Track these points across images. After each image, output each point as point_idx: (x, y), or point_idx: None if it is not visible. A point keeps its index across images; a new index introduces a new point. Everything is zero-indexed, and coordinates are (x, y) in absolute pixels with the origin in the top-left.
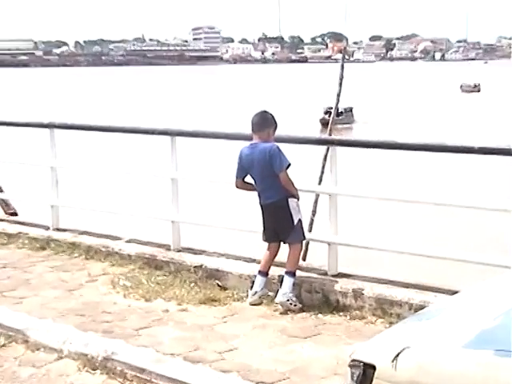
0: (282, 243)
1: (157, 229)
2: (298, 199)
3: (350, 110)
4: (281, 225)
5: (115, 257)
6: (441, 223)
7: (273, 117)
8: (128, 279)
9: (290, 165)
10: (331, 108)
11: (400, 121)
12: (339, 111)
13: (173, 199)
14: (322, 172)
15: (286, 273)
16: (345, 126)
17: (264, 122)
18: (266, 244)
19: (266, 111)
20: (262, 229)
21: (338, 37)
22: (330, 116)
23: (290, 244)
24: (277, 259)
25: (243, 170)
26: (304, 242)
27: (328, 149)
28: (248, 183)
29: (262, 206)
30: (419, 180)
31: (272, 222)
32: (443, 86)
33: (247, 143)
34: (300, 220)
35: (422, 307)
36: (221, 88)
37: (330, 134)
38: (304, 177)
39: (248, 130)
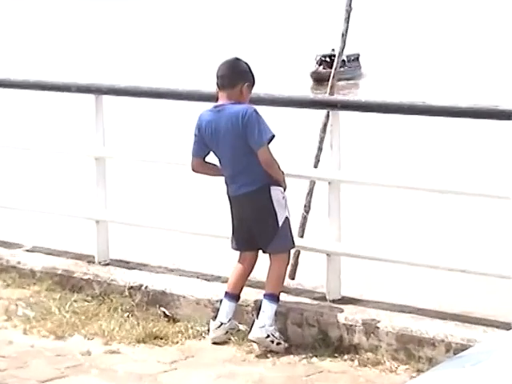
0: (260, 253)
1: (74, 232)
2: (285, 189)
3: (357, 58)
4: (259, 226)
5: (11, 273)
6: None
7: (248, 67)
8: (30, 306)
9: (273, 137)
10: (327, 56)
11: (426, 72)
12: (341, 60)
13: (98, 188)
14: (320, 149)
15: (266, 297)
16: (349, 82)
17: (235, 74)
18: (237, 254)
19: (238, 58)
20: (231, 232)
21: None
22: (325, 67)
23: (273, 254)
24: (252, 276)
25: (203, 144)
26: (292, 251)
27: (328, 115)
28: (211, 164)
29: (231, 198)
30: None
31: (246, 222)
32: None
33: (210, 105)
34: (287, 219)
35: (464, 348)
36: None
37: (332, 94)
38: (294, 156)
39: (211, 87)
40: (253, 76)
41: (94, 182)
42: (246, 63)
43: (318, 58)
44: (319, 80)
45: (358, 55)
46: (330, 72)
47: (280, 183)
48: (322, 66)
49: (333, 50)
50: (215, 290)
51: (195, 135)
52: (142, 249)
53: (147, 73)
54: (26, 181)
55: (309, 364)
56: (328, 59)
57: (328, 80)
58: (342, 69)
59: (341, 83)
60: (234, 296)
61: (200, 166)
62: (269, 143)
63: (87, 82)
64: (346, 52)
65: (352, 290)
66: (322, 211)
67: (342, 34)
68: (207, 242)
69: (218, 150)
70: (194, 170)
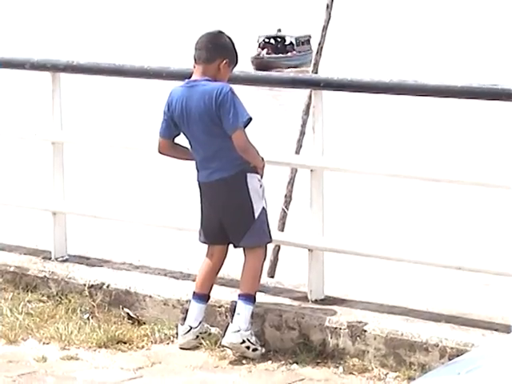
0: (231, 247)
1: (28, 225)
2: (262, 176)
3: (307, 41)
4: (232, 217)
5: None
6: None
7: (231, 42)
8: None
9: (250, 120)
10: (271, 38)
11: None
12: (287, 42)
13: (55, 176)
14: (302, 133)
15: (241, 297)
16: (297, 69)
17: (213, 48)
18: (205, 248)
19: (221, 32)
20: (200, 223)
21: None
22: (269, 51)
23: (247, 250)
24: (226, 274)
25: (173, 124)
26: (271, 246)
27: (310, 95)
28: (180, 146)
29: (201, 184)
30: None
31: (217, 212)
32: None
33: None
34: (264, 210)
35: (460, 353)
36: None
37: (316, 71)
38: (273, 141)
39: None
40: (235, 54)
41: (51, 170)
42: (229, 38)
43: (261, 40)
44: (262, 67)
45: (310, 37)
46: (275, 58)
47: (257, 170)
48: (265, 50)
49: (279, 30)
50: (185, 289)
51: (164, 113)
52: (104, 243)
53: (123, 52)
54: None
55: (288, 371)
56: (273, 41)
57: (274, 67)
58: (288, 54)
59: (288, 71)
60: (203, 296)
61: (168, 147)
62: (245, 127)
63: (42, 58)
64: (295, 33)
65: (336, 290)
66: (303, 202)
67: (327, 6)
68: (176, 235)
69: (189, 131)
70: (160, 151)
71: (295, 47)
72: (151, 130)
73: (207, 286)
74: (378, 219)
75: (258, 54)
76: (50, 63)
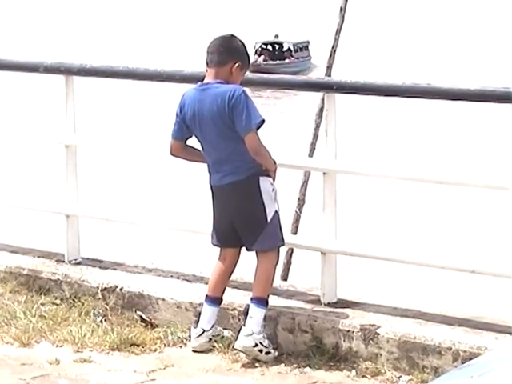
0: (244, 250)
1: (42, 228)
2: (274, 179)
3: (306, 47)
4: (245, 220)
5: None
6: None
7: (243, 46)
8: None
9: (263, 122)
10: (268, 44)
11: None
12: (285, 48)
13: (68, 179)
14: (316, 136)
15: (254, 301)
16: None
17: (226, 51)
18: (218, 251)
19: (233, 35)
20: (212, 226)
21: None
22: (266, 58)
23: (260, 253)
24: (239, 277)
25: (185, 126)
26: (285, 249)
27: (324, 99)
28: (192, 149)
29: (213, 188)
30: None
31: (229, 216)
32: None
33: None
34: (277, 213)
35: (473, 356)
36: None
37: (329, 74)
38: (286, 144)
39: (195, 68)
40: (247, 57)
41: (64, 173)
42: (241, 42)
43: (258, 46)
44: (258, 73)
45: (308, 43)
46: (272, 65)
47: (269, 173)
48: (262, 57)
49: (276, 36)
50: (197, 291)
51: (176, 115)
52: (117, 246)
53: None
54: None
55: (301, 374)
56: (270, 47)
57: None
58: (286, 60)
59: None
60: (216, 299)
61: (180, 149)
62: (258, 129)
63: (56, 61)
64: (294, 39)
65: (349, 293)
66: (316, 205)
67: (341, 9)
68: (189, 238)
69: (201, 134)
70: (172, 153)
71: (293, 53)
72: (164, 133)
73: (220, 289)
74: (391, 222)
75: (255, 61)
76: (64, 66)
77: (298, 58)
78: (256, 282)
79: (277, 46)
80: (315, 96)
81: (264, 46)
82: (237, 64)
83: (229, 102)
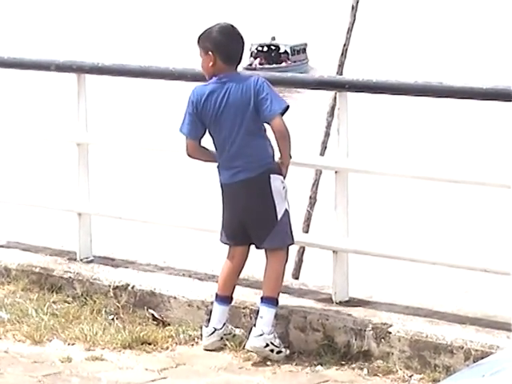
0: (253, 248)
1: (54, 226)
2: (285, 176)
3: (303, 49)
4: (255, 218)
5: None
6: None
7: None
8: (5, 308)
9: (288, 108)
10: (264, 46)
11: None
12: (281, 51)
13: (80, 177)
14: (327, 135)
15: (264, 300)
16: None
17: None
18: (227, 249)
19: (232, 26)
20: (222, 223)
21: None
22: (262, 62)
23: (270, 251)
24: (250, 275)
25: (200, 123)
26: (296, 248)
27: (336, 97)
28: (205, 149)
29: (224, 185)
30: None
31: (239, 214)
32: None
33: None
34: (287, 211)
35: (485, 355)
36: None
37: (341, 73)
38: (298, 143)
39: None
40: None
41: (76, 171)
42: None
43: (254, 49)
44: None
45: (306, 45)
46: (268, 68)
47: (280, 171)
48: (257, 60)
49: (273, 38)
50: (209, 290)
51: (189, 114)
52: (129, 245)
53: (137, 51)
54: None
55: (313, 373)
56: (266, 49)
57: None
58: (283, 64)
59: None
60: (226, 298)
61: (196, 149)
62: (283, 114)
63: (68, 59)
64: (291, 41)
65: (361, 291)
66: (328, 203)
67: (352, 7)
68: (200, 236)
69: (217, 127)
70: (189, 154)
71: (290, 56)
72: (175, 131)
73: (229, 287)
74: (403, 221)
75: (250, 64)
76: (76, 65)
77: (294, 62)
78: (266, 282)
79: (273, 49)
80: (316, 95)
81: (260, 49)
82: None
83: (254, 88)
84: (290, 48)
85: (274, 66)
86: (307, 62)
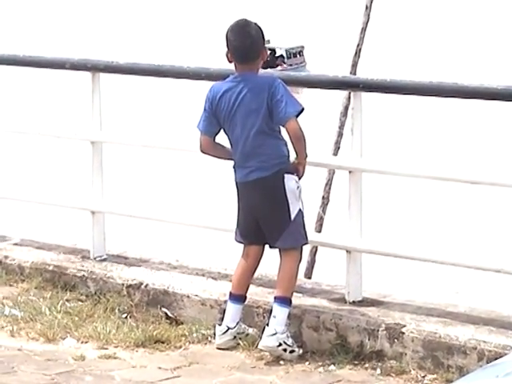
0: (267, 247)
1: (68, 224)
2: (303, 175)
3: (300, 52)
4: (269, 217)
5: None
6: None
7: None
8: (18, 306)
9: (303, 110)
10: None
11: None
12: (277, 54)
13: (94, 176)
14: (340, 135)
15: (277, 300)
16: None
17: (255, 44)
18: (240, 248)
19: (247, 20)
20: (236, 222)
21: None
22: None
23: (283, 251)
24: (264, 274)
25: (215, 120)
26: (309, 248)
27: (349, 97)
28: (220, 145)
29: (239, 184)
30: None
31: (254, 212)
32: None
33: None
34: (301, 211)
35: (498, 356)
36: None
37: (355, 73)
38: (311, 143)
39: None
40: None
41: (90, 169)
42: (259, 28)
43: None
44: None
45: (302, 48)
46: (263, 72)
47: (294, 171)
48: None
49: (268, 41)
50: (222, 289)
51: (205, 110)
52: (142, 243)
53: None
54: (13, 167)
55: (326, 372)
56: None
57: None
58: (278, 67)
59: None
60: (239, 297)
61: (210, 145)
62: (298, 116)
63: (82, 58)
64: (287, 44)
65: (374, 291)
66: (341, 203)
67: (366, 7)
68: (214, 235)
69: (232, 126)
70: (202, 150)
71: (285, 60)
72: (189, 130)
73: (243, 286)
74: (417, 221)
75: None
76: (91, 63)
77: (291, 65)
78: (279, 281)
79: (268, 52)
80: (317, 95)
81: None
82: (263, 52)
83: (269, 90)
84: (286, 51)
85: (269, 70)
86: (305, 64)
